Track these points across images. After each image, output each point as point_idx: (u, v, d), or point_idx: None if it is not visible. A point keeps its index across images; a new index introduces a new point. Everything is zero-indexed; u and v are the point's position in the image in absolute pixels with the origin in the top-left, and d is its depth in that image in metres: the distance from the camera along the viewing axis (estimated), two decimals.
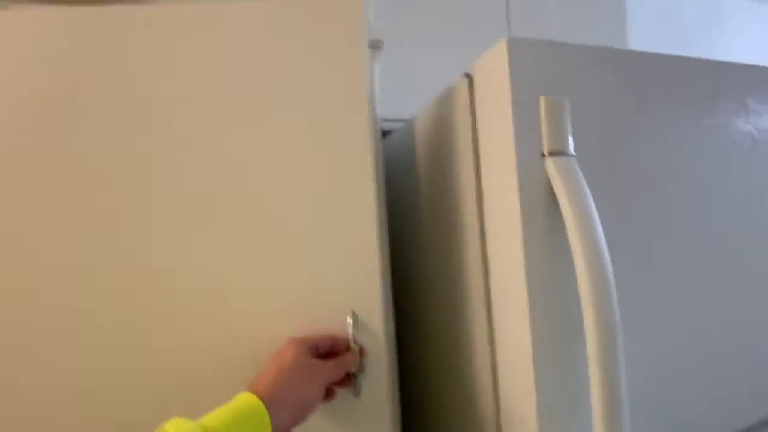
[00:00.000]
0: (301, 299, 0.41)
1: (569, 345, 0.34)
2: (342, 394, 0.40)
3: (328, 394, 0.38)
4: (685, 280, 0.40)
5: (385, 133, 0.53)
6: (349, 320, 0.39)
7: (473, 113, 0.40)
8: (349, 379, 0.39)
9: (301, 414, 0.34)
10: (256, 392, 0.31)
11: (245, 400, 0.31)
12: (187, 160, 0.41)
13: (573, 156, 0.34)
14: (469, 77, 0.41)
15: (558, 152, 0.34)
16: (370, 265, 0.42)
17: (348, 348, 0.39)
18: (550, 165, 0.33)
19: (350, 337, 0.39)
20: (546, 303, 0.34)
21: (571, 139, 0.35)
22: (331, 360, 0.37)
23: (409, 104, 0.56)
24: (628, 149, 0.39)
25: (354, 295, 0.41)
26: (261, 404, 0.30)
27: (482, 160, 0.40)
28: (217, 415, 0.30)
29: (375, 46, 0.47)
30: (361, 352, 0.39)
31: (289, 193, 0.42)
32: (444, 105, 0.46)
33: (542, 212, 0.34)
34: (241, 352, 0.39)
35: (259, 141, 0.42)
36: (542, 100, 0.34)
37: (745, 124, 0.45)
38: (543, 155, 0.34)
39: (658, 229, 0.40)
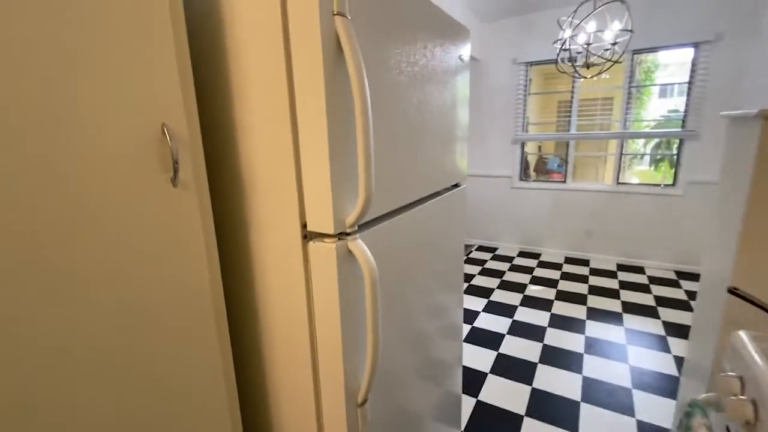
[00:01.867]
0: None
1: (348, 138, 0.60)
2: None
3: None
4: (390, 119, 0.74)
5: None
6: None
7: None
8: None
9: None
10: None
11: None
12: None
13: (349, 18, 0.56)
14: None
15: (341, 14, 0.55)
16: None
17: None
18: (338, 21, 0.54)
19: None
20: (336, 108, 0.57)
21: (348, 7, 0.56)
22: None
23: None
24: (379, 30, 0.65)
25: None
26: None
27: (290, 15, 0.56)
28: None
29: None
30: None
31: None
32: None
33: (333, 49, 0.55)
34: None
35: None
36: None
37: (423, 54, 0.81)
38: (333, 14, 0.54)
39: (387, 82, 0.70)
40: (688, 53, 3.04)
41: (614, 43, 2.24)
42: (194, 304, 0.63)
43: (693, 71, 3.01)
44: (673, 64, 3.73)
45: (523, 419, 1.65)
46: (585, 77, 2.46)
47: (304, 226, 0.65)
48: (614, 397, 1.76)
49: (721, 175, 1.19)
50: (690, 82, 3.05)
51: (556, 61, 2.59)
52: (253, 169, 0.67)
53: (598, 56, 2.31)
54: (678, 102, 3.23)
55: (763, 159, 0.89)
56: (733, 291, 0.79)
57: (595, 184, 3.64)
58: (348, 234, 0.64)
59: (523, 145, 3.84)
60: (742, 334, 0.74)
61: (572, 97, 3.54)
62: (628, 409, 1.68)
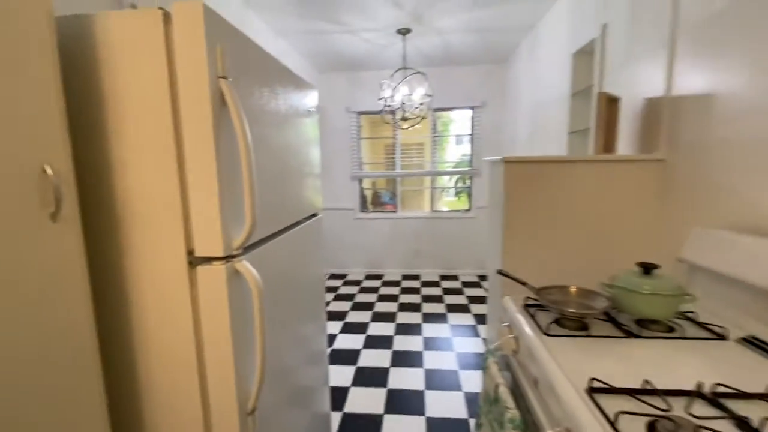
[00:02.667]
0: None
1: (232, 174, 0.72)
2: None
3: None
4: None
5: None
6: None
7: (169, 43, 0.65)
8: None
9: None
10: None
11: None
12: None
13: (230, 80, 0.70)
14: (166, 14, 0.64)
15: (224, 77, 0.69)
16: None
17: None
18: (222, 83, 0.68)
19: None
20: (223, 155, 0.69)
21: (228, 71, 0.70)
22: None
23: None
24: (248, 89, 0.80)
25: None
26: None
27: (179, 76, 0.66)
28: None
29: None
30: None
31: None
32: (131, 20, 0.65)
33: (218, 105, 0.68)
34: None
35: None
36: (218, 48, 0.67)
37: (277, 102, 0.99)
38: (218, 77, 0.67)
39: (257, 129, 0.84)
40: (468, 113, 4.17)
41: (421, 103, 2.92)
42: (69, 339, 0.61)
43: (472, 126, 4.14)
44: (461, 120, 4.98)
45: (383, 417, 1.88)
46: (403, 128, 3.08)
47: (189, 252, 0.71)
48: (447, 380, 2.20)
49: (488, 201, 1.76)
50: (471, 134, 4.16)
51: (380, 113, 3.15)
52: (135, 203, 0.70)
53: (411, 112, 2.96)
54: (467, 148, 4.34)
55: (508, 188, 1.41)
56: (500, 272, 1.23)
57: (418, 212, 4.43)
58: (234, 256, 0.74)
59: (360, 181, 4.36)
60: (507, 299, 1.16)
61: (395, 143, 4.28)
62: (456, 386, 2.13)
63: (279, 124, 0.98)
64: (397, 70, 2.85)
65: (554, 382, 0.73)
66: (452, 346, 2.61)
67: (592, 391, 0.67)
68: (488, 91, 3.97)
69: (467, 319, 3.05)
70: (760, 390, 0.66)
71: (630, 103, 1.57)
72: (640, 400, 0.65)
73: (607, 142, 1.48)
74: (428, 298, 3.53)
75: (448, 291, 3.73)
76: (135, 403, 0.77)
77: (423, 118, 3.00)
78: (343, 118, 4.16)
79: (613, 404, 0.63)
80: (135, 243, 0.71)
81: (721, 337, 0.87)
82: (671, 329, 0.92)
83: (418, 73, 2.73)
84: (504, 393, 0.89)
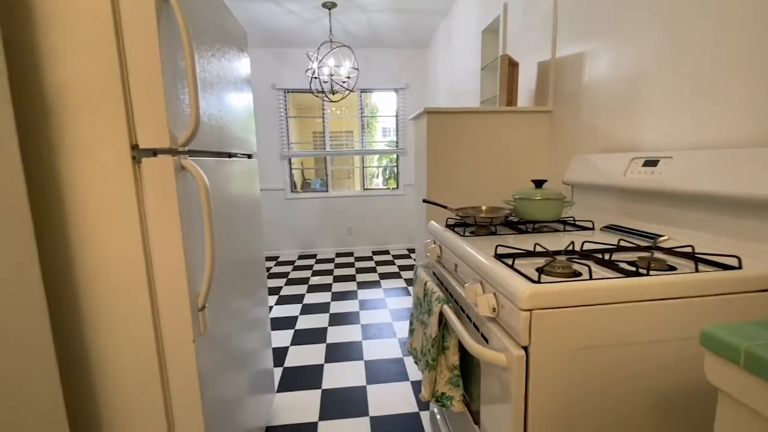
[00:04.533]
0: None
1: (177, 73, 0.74)
2: None
3: None
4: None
5: None
6: None
7: None
8: None
9: None
10: None
11: None
12: None
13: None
14: None
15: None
16: None
17: None
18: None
19: None
20: (165, 50, 0.72)
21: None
22: None
23: None
24: None
25: None
26: None
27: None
28: None
29: None
30: None
31: None
32: None
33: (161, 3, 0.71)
34: None
35: None
36: None
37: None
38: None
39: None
40: (393, 96, 4.37)
41: (348, 77, 3.02)
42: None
43: (397, 108, 4.35)
44: (385, 107, 5.18)
45: (323, 366, 1.96)
46: (332, 100, 3.15)
47: (133, 147, 0.73)
48: (382, 330, 2.35)
49: (415, 152, 1.93)
50: (396, 116, 4.38)
51: (309, 88, 3.18)
52: (70, 94, 0.69)
53: (340, 85, 3.04)
54: (393, 136, 4.55)
55: (430, 136, 1.59)
56: (425, 200, 1.40)
57: (349, 191, 4.53)
58: (179, 153, 0.77)
59: (290, 162, 4.32)
60: (432, 222, 1.32)
61: (324, 125, 4.32)
62: (391, 334, 2.29)
63: (214, 52, 1.01)
64: (323, 43, 2.91)
65: (470, 256, 0.89)
66: (386, 304, 2.78)
67: (498, 256, 0.84)
68: (411, 74, 4.22)
69: (399, 284, 3.24)
70: (613, 245, 0.90)
71: (526, 68, 1.87)
72: (533, 256, 0.83)
73: (510, 98, 1.73)
74: (362, 270, 3.67)
75: (380, 263, 3.91)
76: (76, 304, 0.75)
77: (351, 91, 3.10)
78: (270, 96, 4.07)
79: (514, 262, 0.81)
80: (70, 139, 0.70)
81: (590, 228, 1.13)
82: (555, 230, 1.16)
83: (345, 46, 2.83)
84: (430, 285, 1.04)
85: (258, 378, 1.36)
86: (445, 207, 1.28)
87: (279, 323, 2.51)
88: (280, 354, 2.10)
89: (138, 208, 0.74)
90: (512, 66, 1.79)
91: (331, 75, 2.93)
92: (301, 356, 2.07)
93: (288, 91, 4.16)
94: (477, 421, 0.90)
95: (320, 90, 3.06)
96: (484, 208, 1.27)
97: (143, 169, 0.73)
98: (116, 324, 0.77)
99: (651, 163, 1.06)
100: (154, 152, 0.74)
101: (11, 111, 0.60)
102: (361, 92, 4.28)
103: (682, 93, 1.04)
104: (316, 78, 2.97)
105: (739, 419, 0.42)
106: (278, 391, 1.77)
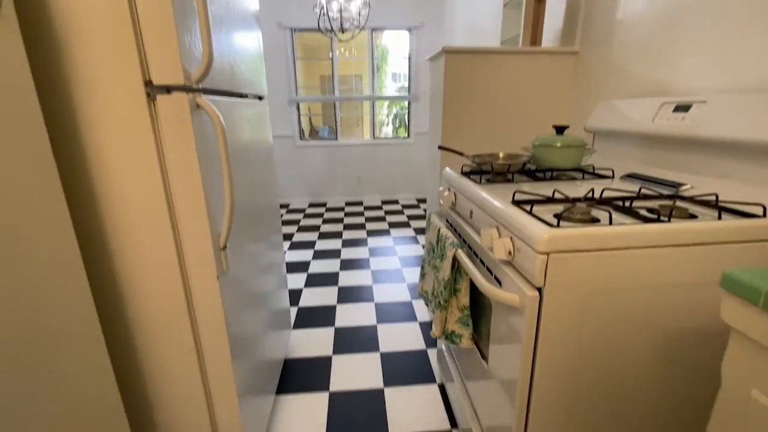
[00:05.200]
0: None
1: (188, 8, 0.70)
2: None
3: None
4: None
5: None
6: None
7: None
8: None
9: None
10: None
11: None
12: None
13: None
14: None
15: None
16: None
17: None
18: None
19: None
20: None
21: None
22: None
23: None
24: None
25: None
26: None
27: None
28: None
29: None
30: None
31: None
32: None
33: None
34: None
35: None
36: None
37: None
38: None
39: None
40: (406, 36, 4.11)
41: (359, 14, 2.83)
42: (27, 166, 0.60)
43: (410, 50, 4.11)
44: (397, 51, 4.90)
45: (336, 308, 2.06)
46: (341, 39, 2.98)
47: (147, 83, 0.71)
48: (392, 276, 2.43)
49: (430, 93, 1.86)
50: (409, 58, 4.15)
51: (318, 26, 2.99)
52: (80, 21, 0.66)
53: (350, 23, 2.86)
54: (404, 83, 4.34)
55: (447, 76, 1.51)
56: (440, 147, 1.36)
57: (359, 140, 4.44)
58: (194, 90, 0.75)
59: (298, 107, 4.20)
60: (447, 169, 1.30)
61: (333, 68, 4.12)
62: (401, 279, 2.37)
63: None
64: None
65: (487, 202, 0.89)
66: (396, 252, 2.84)
67: (516, 202, 0.84)
68: (426, 12, 3.93)
69: (408, 233, 3.29)
70: (634, 193, 0.88)
71: (553, 4, 1.72)
72: (551, 203, 0.83)
73: (534, 37, 1.62)
74: (372, 219, 3.71)
75: (389, 212, 3.94)
76: (105, 246, 0.78)
77: (361, 29, 2.92)
78: (276, 36, 3.86)
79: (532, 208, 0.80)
80: (83, 72, 0.68)
81: (610, 177, 1.11)
82: (574, 179, 1.13)
83: None
84: (444, 231, 1.05)
85: (276, 316, 1.44)
86: (461, 154, 1.26)
87: (293, 267, 2.60)
88: (294, 295, 2.21)
89: (156, 146, 0.74)
90: (538, 2, 1.65)
91: (341, 11, 2.75)
92: (315, 298, 2.17)
93: (295, 30, 3.94)
94: (485, 357, 0.95)
95: (329, 28, 2.88)
96: (501, 155, 1.24)
97: (158, 106, 0.72)
98: (144, 262, 0.80)
99: (682, 108, 1.00)
100: (168, 89, 0.72)
101: (22, 45, 0.58)
102: (372, 31, 4.03)
103: (723, 33, 0.95)
104: (324, 15, 2.79)
105: (749, 356, 0.44)
106: (294, 328, 1.88)
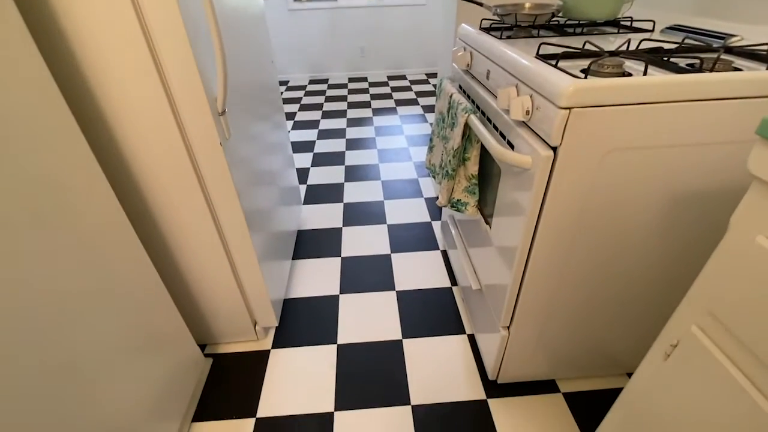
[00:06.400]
0: None
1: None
2: None
3: None
4: None
5: None
6: None
7: None
8: None
9: None
10: None
11: None
12: None
13: None
14: None
15: None
16: None
17: None
18: None
19: None
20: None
21: None
22: None
23: None
24: None
25: None
26: None
27: None
28: None
29: None
30: None
31: None
32: None
33: None
34: None
35: None
36: None
37: None
38: None
39: None
40: None
41: None
42: None
43: None
44: None
45: (343, 185, 2.10)
46: None
47: None
48: (399, 154, 2.40)
49: None
50: None
51: None
52: None
53: None
54: None
55: None
56: None
57: (361, 1, 3.88)
58: None
59: None
60: (463, 24, 1.15)
61: None
62: (407, 158, 2.35)
63: None
64: None
65: (508, 58, 0.79)
66: (402, 131, 2.76)
67: (541, 56, 0.74)
68: None
69: (416, 110, 3.13)
70: (676, 45, 0.77)
71: None
72: (581, 57, 0.73)
73: None
74: (377, 96, 3.50)
75: (396, 89, 3.69)
76: (103, 122, 0.74)
77: None
78: None
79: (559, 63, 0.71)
80: None
81: (650, 30, 0.96)
82: (607, 33, 0.99)
83: None
84: (456, 96, 0.98)
85: (286, 192, 1.47)
86: (480, 4, 1.09)
87: (298, 147, 2.56)
88: (302, 174, 2.23)
89: (138, 19, 0.64)
90: None
91: None
92: (322, 176, 2.20)
93: None
94: (488, 223, 0.98)
95: None
96: (527, 5, 1.07)
97: None
98: (146, 137, 0.78)
99: None
100: None
101: None
102: None
103: None
104: None
105: (765, 204, 0.43)
106: (304, 204, 1.95)
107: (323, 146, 2.56)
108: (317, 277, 1.48)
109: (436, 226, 1.75)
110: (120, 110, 0.74)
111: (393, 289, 1.42)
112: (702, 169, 0.68)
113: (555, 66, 0.67)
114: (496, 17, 1.05)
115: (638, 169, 0.67)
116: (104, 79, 0.70)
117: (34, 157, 0.56)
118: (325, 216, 1.85)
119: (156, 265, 0.99)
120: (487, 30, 1.03)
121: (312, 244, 1.67)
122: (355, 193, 2.03)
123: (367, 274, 1.49)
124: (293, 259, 1.58)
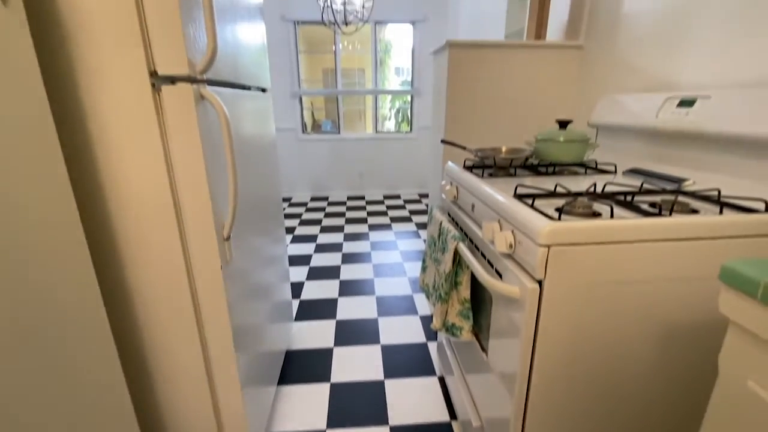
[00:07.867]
0: None
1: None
2: None
3: None
4: None
5: None
6: None
7: None
8: None
9: None
10: None
11: None
12: None
13: None
14: None
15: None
16: None
17: None
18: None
19: None
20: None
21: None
22: None
23: None
24: None
25: None
26: None
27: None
28: None
29: None
30: None
31: None
32: None
33: None
34: None
35: None
36: None
37: None
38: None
39: None
40: (409, 30, 4.09)
41: (363, 7, 2.81)
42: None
43: (413, 43, 4.09)
44: (400, 45, 4.87)
45: (337, 300, 2.08)
46: (345, 32, 2.97)
47: (152, 74, 0.71)
48: (394, 269, 2.44)
49: (433, 87, 1.85)
50: (412, 51, 4.13)
51: (321, 18, 2.98)
52: (85, 17, 0.66)
53: (354, 16, 2.84)
54: (407, 76, 4.32)
55: (451, 70, 1.51)
56: (443, 141, 1.37)
57: (361, 134, 4.44)
58: (199, 81, 0.75)
59: (301, 100, 4.19)
60: (450, 163, 1.31)
61: (335, 60, 4.11)
62: (402, 273, 2.38)
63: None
64: None
65: (489, 196, 0.89)
66: (397, 246, 2.85)
67: (518, 196, 0.84)
68: (429, 5, 3.90)
69: (410, 227, 3.30)
70: (636, 188, 0.88)
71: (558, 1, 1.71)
72: (553, 197, 0.83)
73: (539, 30, 1.61)
74: (374, 214, 3.72)
75: (391, 207, 3.94)
76: (110, 237, 0.79)
77: (365, 22, 2.90)
78: (280, 28, 3.85)
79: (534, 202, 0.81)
80: (89, 63, 0.68)
81: (613, 172, 1.11)
82: (576, 173, 1.13)
83: None
84: (446, 224, 1.06)
85: (278, 308, 1.45)
86: (463, 148, 1.26)
87: (295, 260, 2.61)
88: (296, 288, 2.22)
89: (161, 137, 0.74)
90: None
91: (345, 4, 2.73)
92: (317, 290, 2.19)
93: (299, 23, 3.92)
94: (484, 350, 0.96)
95: (332, 21, 2.87)
96: (503, 149, 1.24)
97: (163, 97, 0.72)
98: (148, 253, 0.81)
99: (687, 103, 1.00)
100: (173, 80, 0.72)
101: (29, 35, 0.58)
102: (376, 24, 4.00)
103: (729, 27, 0.95)
104: (328, 7, 2.77)
105: (746, 348, 0.44)
106: (296, 320, 1.89)
107: (319, 260, 2.61)
108: (302, 408, 1.35)
109: (432, 347, 1.68)
110: (126, 218, 0.78)
111: (386, 423, 1.29)
112: (686, 302, 0.70)
113: (531, 206, 0.75)
114: (477, 158, 1.20)
115: (621, 301, 0.69)
116: (117, 186, 0.77)
117: (43, 275, 0.58)
118: (316, 334, 1.78)
119: (128, 380, 0.92)
120: (470, 168, 1.17)
121: (300, 366, 1.57)
122: (349, 308, 1.99)
123: (358, 405, 1.36)
124: (279, 384, 1.47)
